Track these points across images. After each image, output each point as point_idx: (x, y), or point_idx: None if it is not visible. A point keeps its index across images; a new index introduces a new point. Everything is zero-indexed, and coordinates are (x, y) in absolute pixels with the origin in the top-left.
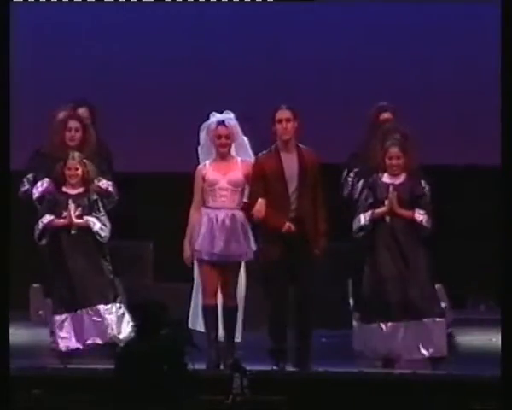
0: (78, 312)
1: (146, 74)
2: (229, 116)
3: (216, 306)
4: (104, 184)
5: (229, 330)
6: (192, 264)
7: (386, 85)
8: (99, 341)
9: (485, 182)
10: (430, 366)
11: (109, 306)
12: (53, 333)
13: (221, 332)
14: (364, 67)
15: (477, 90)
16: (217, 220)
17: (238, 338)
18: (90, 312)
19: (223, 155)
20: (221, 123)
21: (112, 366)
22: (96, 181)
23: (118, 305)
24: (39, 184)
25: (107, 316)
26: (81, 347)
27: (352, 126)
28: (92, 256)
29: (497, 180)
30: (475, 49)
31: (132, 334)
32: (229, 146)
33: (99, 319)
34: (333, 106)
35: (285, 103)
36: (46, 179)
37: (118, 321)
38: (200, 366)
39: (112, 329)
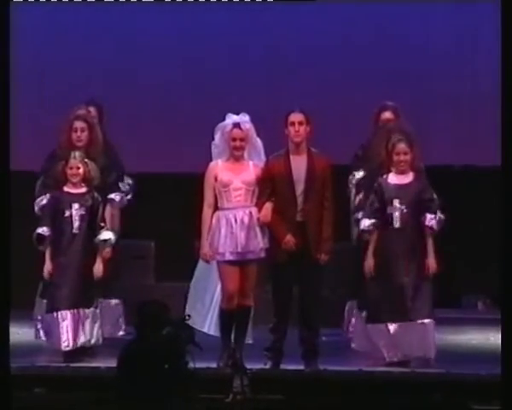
0: (71, 310)
1: (148, 76)
2: (244, 119)
3: (235, 308)
4: (118, 196)
5: (243, 330)
6: (208, 261)
7: (386, 85)
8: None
9: (485, 182)
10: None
11: (91, 309)
12: (49, 333)
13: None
14: (363, 66)
15: (477, 90)
16: (235, 220)
17: (249, 340)
18: (76, 312)
19: (236, 158)
20: (236, 125)
21: (113, 365)
22: (110, 195)
23: (93, 310)
24: (42, 198)
25: (86, 320)
26: (74, 345)
27: (355, 126)
28: (87, 256)
29: (496, 180)
30: (475, 49)
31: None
32: (244, 149)
33: (84, 321)
34: (335, 107)
35: (297, 107)
36: (47, 195)
37: (90, 328)
38: (201, 365)
39: (84, 334)
